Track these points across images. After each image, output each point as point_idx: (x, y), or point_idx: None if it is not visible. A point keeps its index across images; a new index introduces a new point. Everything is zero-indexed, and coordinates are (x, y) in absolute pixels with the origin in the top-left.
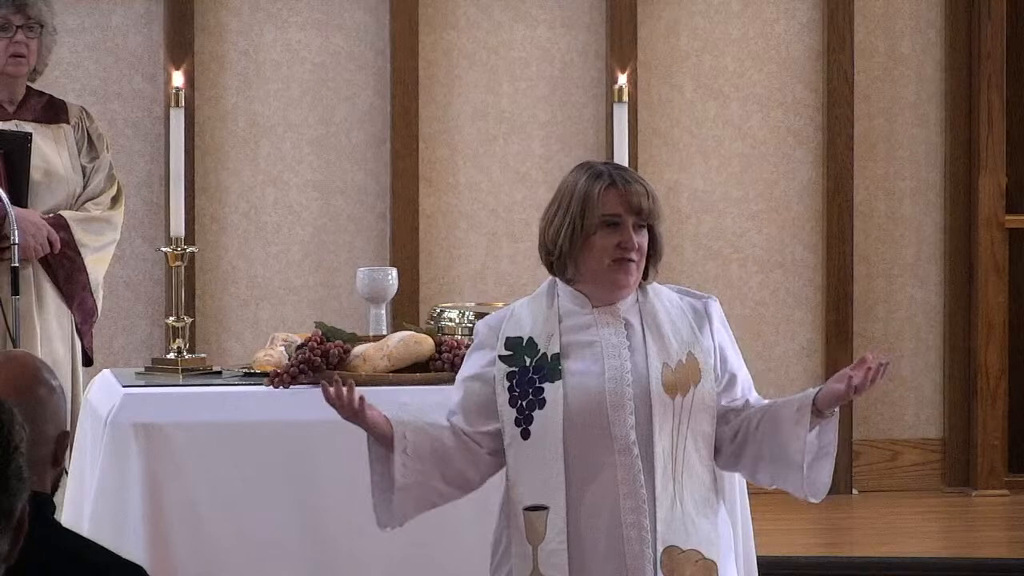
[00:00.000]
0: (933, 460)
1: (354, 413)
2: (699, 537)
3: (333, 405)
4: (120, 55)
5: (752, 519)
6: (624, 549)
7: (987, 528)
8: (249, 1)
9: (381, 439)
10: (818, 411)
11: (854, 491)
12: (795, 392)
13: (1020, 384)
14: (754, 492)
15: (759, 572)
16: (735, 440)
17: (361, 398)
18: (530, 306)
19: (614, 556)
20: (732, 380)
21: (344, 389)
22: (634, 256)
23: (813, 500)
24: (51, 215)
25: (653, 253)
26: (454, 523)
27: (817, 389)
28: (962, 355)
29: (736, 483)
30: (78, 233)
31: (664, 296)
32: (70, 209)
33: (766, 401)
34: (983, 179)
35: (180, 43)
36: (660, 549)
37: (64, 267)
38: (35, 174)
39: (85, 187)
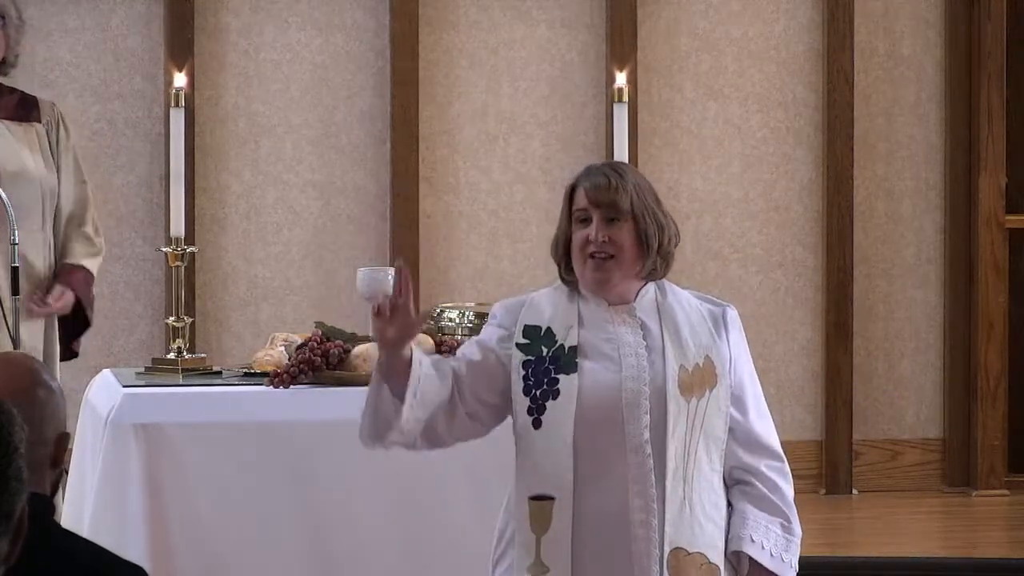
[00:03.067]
0: (933, 460)
1: (394, 343)
2: (706, 540)
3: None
4: (120, 55)
5: None
6: (631, 547)
7: (987, 528)
8: (249, 1)
9: (395, 365)
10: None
11: (854, 491)
12: (795, 391)
13: (1020, 384)
14: None
15: None
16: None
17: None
18: (550, 296)
19: (620, 553)
20: (739, 397)
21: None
22: (608, 250)
23: None
24: (81, 270)
25: (644, 246)
26: (454, 522)
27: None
28: (962, 355)
29: None
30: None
31: (684, 299)
32: (47, 208)
33: (741, 492)
34: (983, 179)
35: (180, 43)
36: (667, 550)
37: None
38: (5, 170)
39: (60, 192)
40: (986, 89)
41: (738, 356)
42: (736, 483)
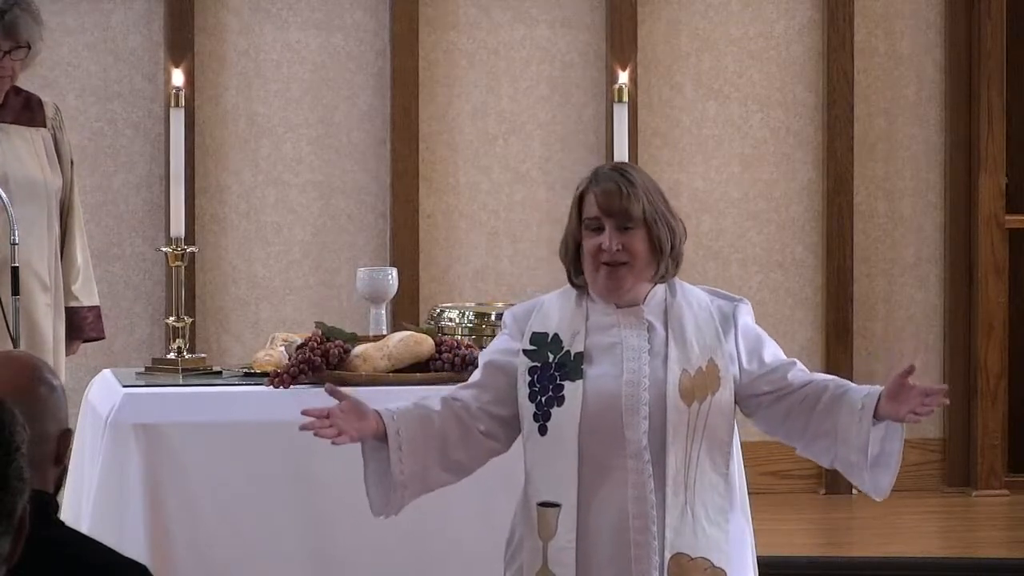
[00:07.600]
0: (933, 460)
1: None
2: (709, 545)
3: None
4: (120, 55)
5: (752, 519)
6: (631, 553)
7: (987, 528)
8: (249, 1)
9: (375, 436)
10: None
11: (854, 491)
12: None
13: (1020, 384)
14: (754, 492)
15: (759, 572)
16: (787, 420)
17: (336, 413)
18: (559, 301)
19: (621, 559)
20: (782, 369)
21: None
22: (621, 258)
23: (876, 499)
24: (91, 312)
25: (658, 251)
26: (456, 522)
27: (878, 395)
28: (962, 355)
29: (737, 484)
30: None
31: (694, 298)
32: (52, 214)
33: (820, 379)
34: (983, 179)
35: (180, 43)
36: (668, 556)
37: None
38: (14, 179)
39: (70, 204)
40: (986, 89)
41: (751, 350)
42: (807, 395)
